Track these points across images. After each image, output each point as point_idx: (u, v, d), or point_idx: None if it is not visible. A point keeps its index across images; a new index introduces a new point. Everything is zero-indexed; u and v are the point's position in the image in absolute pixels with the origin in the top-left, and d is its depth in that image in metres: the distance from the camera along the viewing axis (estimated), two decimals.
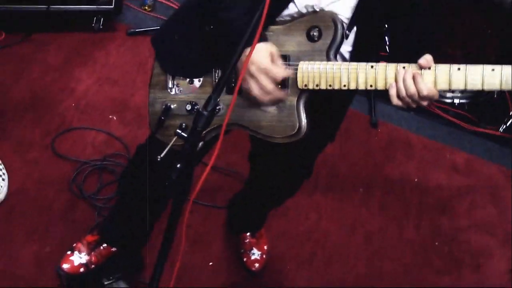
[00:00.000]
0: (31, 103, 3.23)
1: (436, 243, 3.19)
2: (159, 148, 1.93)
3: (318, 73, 1.74)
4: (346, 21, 1.80)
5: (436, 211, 3.34)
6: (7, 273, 2.54)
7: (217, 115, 1.75)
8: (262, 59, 1.68)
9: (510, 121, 3.93)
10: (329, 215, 3.13)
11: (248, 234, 2.82)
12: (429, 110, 3.91)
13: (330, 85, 1.73)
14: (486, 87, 1.59)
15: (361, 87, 1.71)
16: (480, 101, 4.01)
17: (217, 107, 1.74)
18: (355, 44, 1.85)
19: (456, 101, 3.98)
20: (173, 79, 1.95)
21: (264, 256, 2.81)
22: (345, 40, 1.81)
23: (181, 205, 1.64)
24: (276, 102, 1.79)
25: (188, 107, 1.91)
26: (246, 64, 1.46)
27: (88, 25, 3.66)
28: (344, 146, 3.47)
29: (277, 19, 1.86)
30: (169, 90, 1.95)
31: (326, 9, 1.79)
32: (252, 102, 1.80)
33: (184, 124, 1.72)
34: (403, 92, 1.64)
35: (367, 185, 3.34)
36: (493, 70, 1.57)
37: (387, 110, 3.79)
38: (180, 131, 1.54)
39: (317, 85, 1.75)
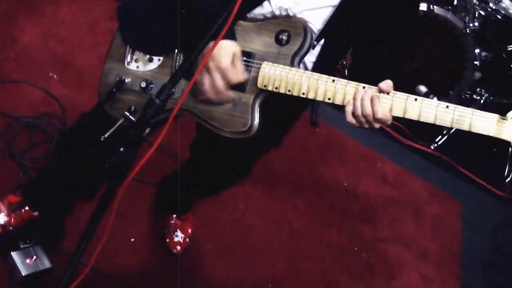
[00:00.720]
0: None
1: (355, 249, 3.27)
2: (103, 121, 1.91)
3: (279, 76, 1.74)
4: (316, 31, 1.82)
5: (359, 218, 3.43)
6: None
7: (170, 98, 1.76)
8: (223, 58, 1.67)
9: (442, 140, 4.07)
10: (257, 207, 3.15)
11: (174, 215, 2.80)
12: None
13: (289, 90, 1.74)
14: (438, 122, 1.61)
15: (319, 98, 1.72)
16: None
17: (172, 90, 1.77)
18: (319, 56, 1.87)
19: None
20: (132, 53, 1.93)
21: (187, 240, 2.80)
22: (311, 50, 1.82)
23: (116, 186, 1.61)
24: (223, 102, 1.78)
25: (143, 84, 1.88)
26: (206, 58, 1.44)
27: None
28: None
29: (249, 15, 1.86)
30: (126, 64, 1.93)
31: (299, 15, 1.80)
32: (197, 94, 1.79)
33: (133, 107, 1.68)
34: (359, 111, 1.65)
35: (298, 182, 3.38)
36: (447, 107, 1.59)
37: (328, 111, 3.82)
38: (128, 114, 1.50)
39: (276, 88, 1.75)
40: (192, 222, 2.87)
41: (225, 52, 1.67)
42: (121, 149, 1.46)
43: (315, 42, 1.82)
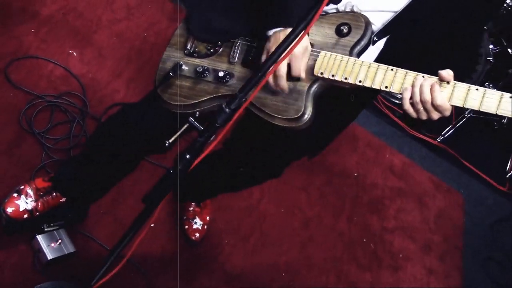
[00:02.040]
0: None
1: (364, 240, 3.33)
2: (144, 113, 1.91)
3: (337, 64, 1.74)
4: (375, 30, 1.85)
5: (368, 208, 3.48)
6: None
7: (226, 84, 1.85)
8: (297, 47, 1.65)
9: (448, 133, 4.12)
10: (271, 195, 3.17)
11: (193, 202, 2.82)
12: (377, 107, 4.01)
13: (346, 78, 1.73)
14: (500, 112, 1.57)
15: (376, 86, 1.70)
16: None
17: (228, 76, 1.86)
18: (379, 57, 1.89)
19: None
20: (193, 42, 1.98)
21: (205, 227, 2.82)
22: (371, 45, 1.84)
23: (167, 191, 1.61)
24: (276, 88, 1.79)
25: (199, 69, 1.91)
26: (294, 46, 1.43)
27: None
28: None
29: None
30: (185, 52, 1.97)
31: (364, 13, 1.83)
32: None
33: (197, 113, 1.68)
34: (417, 97, 1.62)
35: (311, 171, 3.41)
36: (511, 97, 1.56)
37: None
38: (193, 120, 1.50)
39: (333, 75, 1.75)
40: (211, 209, 2.89)
41: (301, 43, 1.68)
42: (187, 156, 1.46)
43: (374, 37, 1.83)
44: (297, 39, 1.43)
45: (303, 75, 1.77)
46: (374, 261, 3.29)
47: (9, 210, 2.31)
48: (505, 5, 3.84)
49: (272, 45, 1.75)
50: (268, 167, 2.21)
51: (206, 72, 1.90)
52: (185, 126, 1.50)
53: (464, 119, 4.10)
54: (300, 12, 1.51)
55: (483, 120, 4.27)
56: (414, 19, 1.81)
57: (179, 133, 1.50)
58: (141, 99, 2.12)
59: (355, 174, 3.59)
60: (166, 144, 1.51)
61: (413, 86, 1.64)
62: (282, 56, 1.40)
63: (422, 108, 1.63)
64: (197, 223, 2.80)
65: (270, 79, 1.76)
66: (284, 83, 1.77)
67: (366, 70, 1.70)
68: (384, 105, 4.03)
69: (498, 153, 4.19)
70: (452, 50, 1.87)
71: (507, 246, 3.77)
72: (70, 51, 3.10)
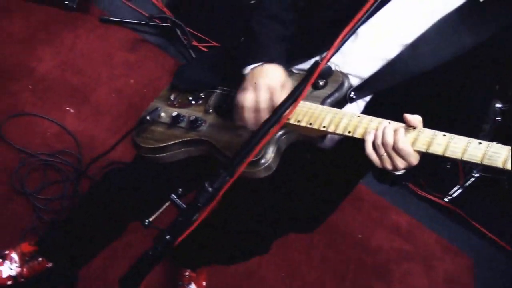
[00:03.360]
0: None
1: None
2: (129, 178, 1.85)
3: (304, 111, 1.71)
4: (360, 81, 1.82)
5: (373, 272, 3.34)
6: None
7: (196, 130, 1.89)
8: (276, 78, 1.67)
9: (456, 193, 4.00)
10: (271, 258, 3.04)
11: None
12: None
13: (310, 124, 1.68)
14: (466, 157, 1.45)
15: (339, 131, 1.63)
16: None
17: (199, 122, 1.89)
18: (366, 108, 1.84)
19: None
20: (177, 94, 2.04)
21: None
22: (349, 103, 1.81)
23: (144, 275, 1.50)
24: (255, 125, 1.71)
25: (175, 114, 1.93)
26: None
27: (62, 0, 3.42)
28: None
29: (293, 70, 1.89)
30: (168, 102, 2.03)
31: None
32: (230, 120, 1.82)
33: (180, 190, 1.59)
34: (379, 139, 1.54)
35: (313, 233, 3.28)
36: (480, 143, 1.45)
37: None
38: (175, 197, 1.40)
39: (298, 121, 1.70)
40: (207, 274, 2.76)
41: (279, 75, 1.67)
42: (167, 236, 1.36)
43: (351, 94, 1.80)
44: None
45: None
46: None
47: None
48: None
49: (248, 82, 1.70)
50: (255, 242, 2.11)
51: (181, 118, 1.93)
52: (167, 204, 1.40)
53: (473, 179, 3.98)
54: (272, 46, 1.67)
55: (492, 179, 4.14)
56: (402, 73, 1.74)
57: (159, 212, 1.41)
58: (129, 162, 2.05)
59: (359, 236, 3.46)
60: (146, 223, 1.41)
61: (376, 129, 1.57)
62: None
63: (385, 153, 1.55)
64: None
65: (250, 115, 1.70)
66: (263, 117, 1.68)
67: (332, 116, 1.66)
68: None
69: (509, 214, 4.04)
70: (455, 112, 1.79)
71: None
72: (67, 108, 3.04)
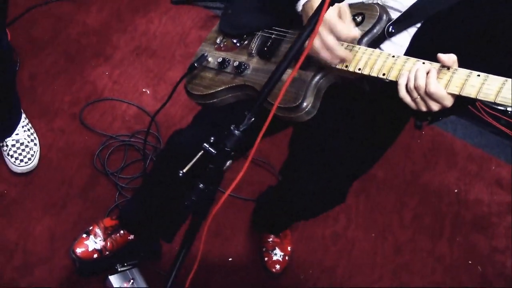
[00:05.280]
0: (64, 66, 3.11)
1: (470, 262, 3.01)
2: (192, 141, 1.88)
3: None
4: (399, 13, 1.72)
5: (473, 227, 3.15)
6: (19, 247, 2.45)
7: (241, 75, 1.88)
8: (329, 13, 1.57)
9: None
10: (359, 220, 2.96)
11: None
12: (478, 116, 3.68)
13: (346, 66, 1.65)
14: (498, 100, 1.39)
15: (374, 73, 1.59)
16: None
17: (243, 66, 1.88)
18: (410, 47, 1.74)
19: (509, 109, 3.74)
20: (222, 37, 2.03)
21: (286, 258, 2.67)
22: (388, 39, 1.73)
23: (201, 220, 1.51)
24: (339, 59, 1.65)
25: (220, 60, 1.95)
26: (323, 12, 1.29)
27: None
28: None
29: None
30: (215, 46, 2.03)
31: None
32: (273, 63, 1.81)
33: (212, 139, 1.57)
34: (411, 83, 1.51)
35: (403, 191, 3.16)
36: None
37: None
38: (207, 146, 1.39)
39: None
40: (291, 239, 2.74)
41: (331, 8, 1.56)
42: (200, 185, 1.35)
43: (390, 28, 1.71)
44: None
45: (355, 32, 1.63)
46: (483, 285, 2.95)
47: (79, 251, 2.34)
48: None
49: (305, 20, 1.66)
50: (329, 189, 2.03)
51: (227, 63, 1.93)
52: (200, 154, 1.39)
53: None
54: None
55: None
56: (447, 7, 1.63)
57: (193, 161, 1.39)
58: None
59: (455, 191, 3.27)
60: (180, 174, 1.40)
61: (409, 71, 1.53)
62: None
63: (418, 96, 1.51)
64: (278, 254, 2.66)
65: (327, 55, 1.64)
66: (341, 52, 1.63)
67: (367, 58, 1.61)
68: (486, 113, 3.69)
69: None
70: (498, 46, 1.65)
71: None
72: (144, 89, 3.12)
